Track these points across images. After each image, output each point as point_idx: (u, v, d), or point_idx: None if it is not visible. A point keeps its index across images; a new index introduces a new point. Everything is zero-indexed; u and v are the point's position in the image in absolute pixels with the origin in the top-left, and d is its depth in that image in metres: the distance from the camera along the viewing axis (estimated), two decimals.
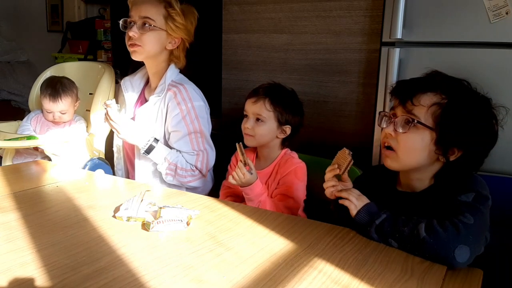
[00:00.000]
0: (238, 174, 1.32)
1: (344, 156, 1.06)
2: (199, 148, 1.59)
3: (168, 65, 1.65)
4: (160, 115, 1.61)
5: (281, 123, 1.45)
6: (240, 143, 1.35)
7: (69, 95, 1.99)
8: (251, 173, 1.32)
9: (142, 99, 1.73)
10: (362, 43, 1.69)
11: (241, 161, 1.32)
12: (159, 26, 1.57)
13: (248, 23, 1.96)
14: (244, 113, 1.49)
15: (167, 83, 1.61)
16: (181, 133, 1.58)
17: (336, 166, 1.07)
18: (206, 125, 1.62)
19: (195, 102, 1.59)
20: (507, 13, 1.35)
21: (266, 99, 1.44)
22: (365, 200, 1.00)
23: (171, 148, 1.61)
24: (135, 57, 1.62)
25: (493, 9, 1.36)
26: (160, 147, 1.58)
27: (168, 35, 1.60)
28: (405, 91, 1.03)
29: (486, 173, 1.09)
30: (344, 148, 1.07)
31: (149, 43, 1.57)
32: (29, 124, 2.05)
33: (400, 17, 1.49)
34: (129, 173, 1.79)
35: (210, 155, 1.62)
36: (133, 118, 1.70)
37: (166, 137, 1.63)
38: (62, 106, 1.98)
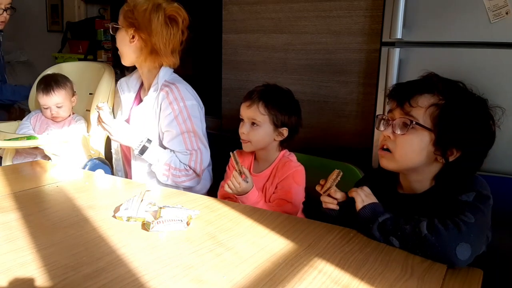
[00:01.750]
0: (233, 183, 1.30)
1: (330, 179, 1.07)
2: (193, 147, 1.58)
3: (151, 64, 1.64)
4: (154, 115, 1.61)
5: (277, 125, 1.42)
6: (235, 152, 1.33)
7: (62, 87, 1.99)
8: (247, 182, 1.30)
9: (138, 100, 1.73)
10: (362, 43, 1.68)
11: (236, 170, 1.31)
12: (120, 25, 1.63)
13: (248, 23, 1.96)
14: (240, 117, 1.47)
15: (160, 83, 1.60)
16: (173, 133, 1.57)
17: (323, 184, 1.08)
18: (199, 124, 1.61)
19: (187, 101, 1.58)
20: (507, 13, 1.35)
21: (260, 102, 1.41)
22: (373, 199, 1.01)
23: (165, 148, 1.60)
24: (124, 64, 1.69)
25: (493, 9, 1.36)
26: (153, 148, 1.57)
27: (125, 32, 1.62)
28: (403, 93, 1.03)
29: (486, 173, 1.09)
30: (334, 171, 1.07)
31: (118, 44, 1.65)
32: (29, 123, 2.05)
33: (400, 17, 1.49)
34: (128, 174, 1.79)
35: (204, 155, 1.60)
36: (128, 119, 1.70)
37: (160, 137, 1.63)
38: (56, 98, 1.98)
